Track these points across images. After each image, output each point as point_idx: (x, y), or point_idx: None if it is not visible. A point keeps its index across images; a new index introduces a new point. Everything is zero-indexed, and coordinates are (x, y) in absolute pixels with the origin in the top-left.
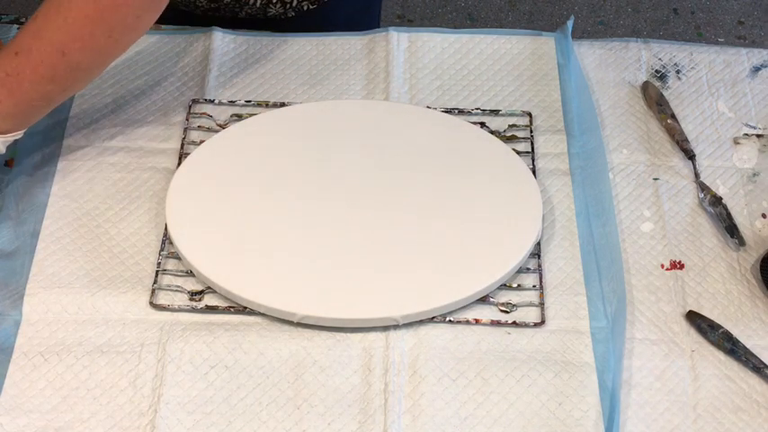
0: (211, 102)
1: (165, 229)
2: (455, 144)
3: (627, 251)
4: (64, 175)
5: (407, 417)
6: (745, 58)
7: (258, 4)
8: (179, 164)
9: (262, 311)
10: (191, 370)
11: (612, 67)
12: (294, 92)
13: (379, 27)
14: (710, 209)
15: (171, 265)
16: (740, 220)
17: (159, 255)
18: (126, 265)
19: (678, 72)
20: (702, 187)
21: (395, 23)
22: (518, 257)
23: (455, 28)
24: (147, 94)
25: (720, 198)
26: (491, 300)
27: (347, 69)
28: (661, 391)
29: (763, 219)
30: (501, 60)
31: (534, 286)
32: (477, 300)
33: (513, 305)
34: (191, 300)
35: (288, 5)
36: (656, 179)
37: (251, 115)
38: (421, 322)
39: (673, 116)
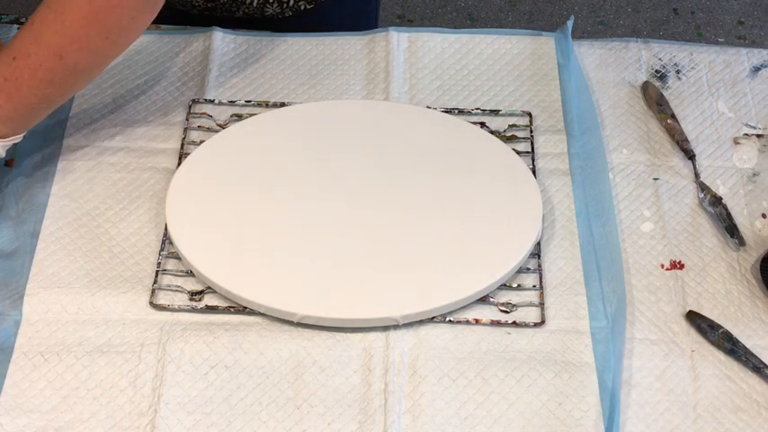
0: (211, 102)
1: (165, 229)
2: (455, 144)
3: (627, 251)
4: (64, 175)
5: (407, 417)
6: (745, 58)
7: (255, 4)
8: (179, 164)
9: (262, 311)
10: (191, 370)
11: (612, 67)
12: (294, 92)
13: (376, 27)
14: (710, 209)
15: (171, 265)
16: (740, 220)
17: (159, 255)
18: (126, 265)
19: (678, 72)
20: (702, 187)
21: (395, 23)
22: (518, 257)
23: (455, 28)
24: (147, 94)
25: (720, 198)
26: (491, 300)
27: (347, 69)
28: (661, 391)
29: (763, 219)
30: (501, 60)
31: (534, 286)
32: (477, 300)
33: (513, 305)
34: (191, 300)
35: (285, 5)
36: (656, 179)
37: (251, 115)
38: (421, 322)
39: (673, 116)
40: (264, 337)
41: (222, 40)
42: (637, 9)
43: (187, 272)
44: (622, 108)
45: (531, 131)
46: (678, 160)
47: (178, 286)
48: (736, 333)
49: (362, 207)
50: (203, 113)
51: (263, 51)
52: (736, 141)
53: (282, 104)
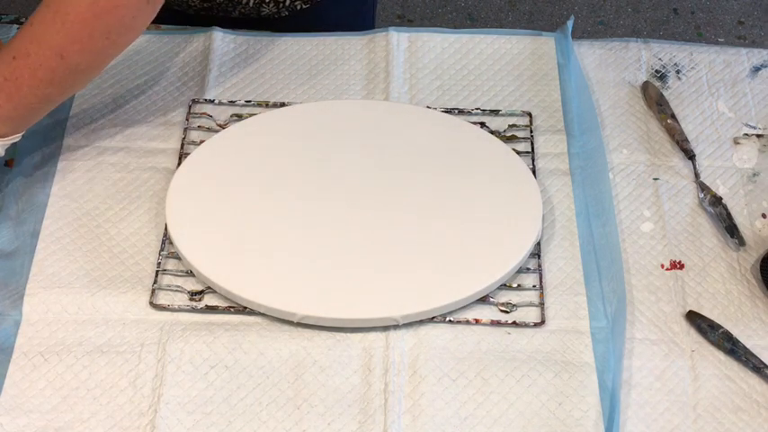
0: (211, 102)
1: (165, 229)
2: (455, 144)
3: (627, 251)
4: (64, 175)
5: (407, 417)
6: (745, 58)
7: (251, 4)
8: (179, 164)
9: (262, 311)
10: (191, 370)
11: (612, 67)
12: (294, 92)
13: (374, 27)
14: (710, 209)
15: (171, 265)
16: (740, 220)
17: (159, 255)
18: (126, 265)
19: (678, 72)
20: (702, 187)
21: (395, 23)
22: (518, 257)
23: (455, 28)
24: (147, 94)
25: (720, 198)
26: (491, 300)
27: (347, 69)
28: (661, 391)
29: (763, 219)
30: (501, 60)
31: (534, 286)
32: (477, 300)
33: (513, 305)
34: (191, 300)
35: (281, 5)
36: (656, 179)
37: (251, 115)
38: (421, 322)
39: (673, 116)
40: (264, 337)
41: (222, 40)
42: (637, 9)
43: (187, 272)
44: (622, 108)
45: (531, 131)
46: (678, 160)
47: (178, 286)
48: (736, 333)
49: (362, 207)
50: (203, 113)
51: (263, 51)
52: (736, 141)
53: (282, 104)
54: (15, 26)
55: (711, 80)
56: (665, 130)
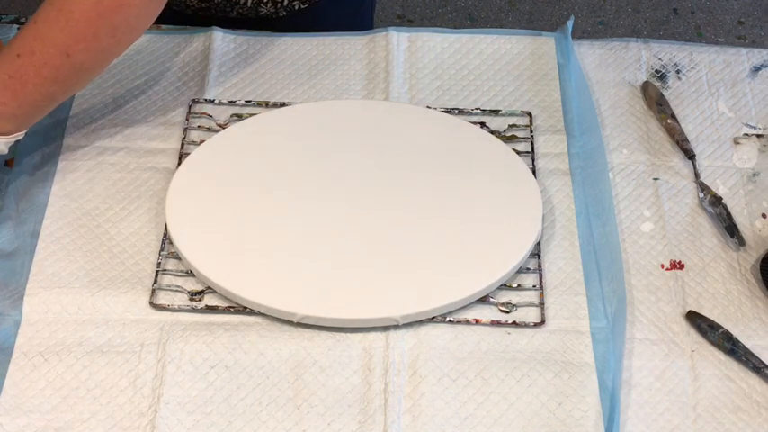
0: (211, 102)
1: (165, 229)
2: (455, 144)
3: (627, 251)
4: (64, 175)
5: (407, 417)
6: (745, 58)
7: (249, 4)
8: (179, 164)
9: (262, 311)
10: (191, 370)
11: (612, 67)
12: (294, 92)
13: (372, 27)
14: (710, 209)
15: (171, 265)
16: (740, 220)
17: (159, 255)
18: (126, 265)
19: (678, 72)
20: (702, 187)
21: (395, 23)
22: (518, 257)
23: (455, 28)
24: (147, 94)
25: (720, 198)
26: (491, 300)
27: (347, 69)
28: (661, 391)
29: (763, 219)
30: (501, 60)
31: (534, 286)
32: (477, 300)
33: (513, 305)
34: (191, 300)
35: (279, 5)
36: (656, 179)
37: (251, 115)
38: (421, 322)
39: (673, 116)
40: (264, 337)
41: (222, 40)
42: (637, 9)
43: (187, 272)
44: (622, 108)
45: (531, 131)
46: (678, 160)
47: (178, 286)
48: (736, 333)
49: (362, 207)
50: (203, 113)
51: (263, 51)
52: (736, 141)
53: (282, 104)
54: (15, 26)
55: (711, 80)
56: (665, 130)
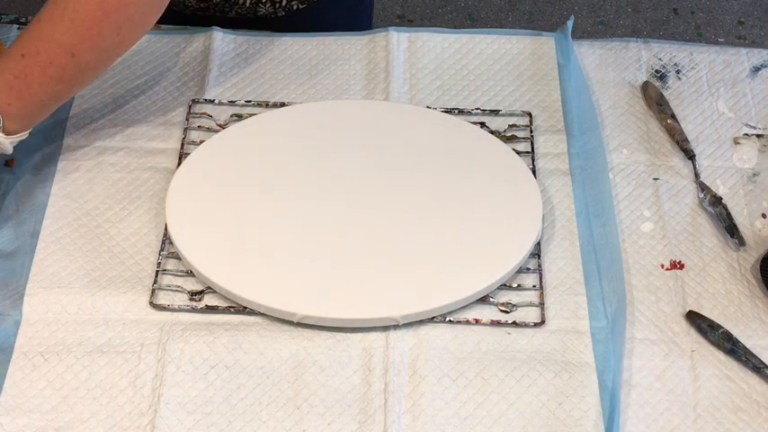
0: (211, 102)
1: (165, 229)
2: (455, 144)
3: (627, 251)
4: (64, 175)
5: (407, 417)
6: (745, 58)
7: (248, 4)
8: (179, 164)
9: (262, 311)
10: (191, 370)
11: (612, 67)
12: (294, 92)
13: (371, 27)
14: (710, 209)
15: (171, 265)
16: (740, 220)
17: (159, 255)
18: (126, 265)
19: (678, 72)
20: (702, 187)
21: (395, 23)
22: (518, 257)
23: (455, 28)
24: (147, 94)
25: (720, 198)
26: (491, 300)
27: (347, 69)
28: (661, 391)
29: (763, 219)
30: (501, 60)
31: (534, 286)
32: (477, 300)
33: (513, 305)
34: (191, 300)
35: (277, 5)
36: (656, 179)
37: (251, 115)
38: (421, 322)
39: (673, 116)
40: (264, 337)
41: (222, 40)
42: (637, 9)
43: (187, 272)
44: (622, 108)
45: (531, 131)
46: (678, 160)
47: (178, 286)
48: (736, 333)
49: (362, 207)
50: (203, 113)
51: (263, 51)
52: (736, 141)
53: (282, 104)
54: (15, 26)
55: (711, 80)
56: (665, 130)
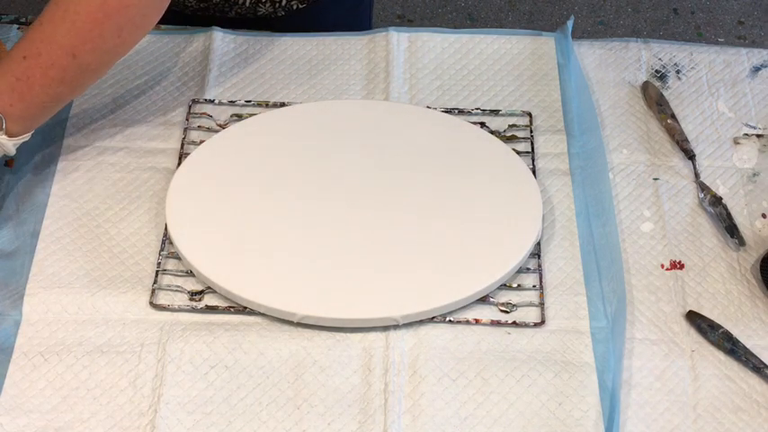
0: (211, 102)
1: (165, 229)
2: (455, 144)
3: (627, 251)
4: (64, 175)
5: (407, 417)
6: (745, 58)
7: (247, 4)
8: (179, 164)
9: (262, 311)
10: (191, 370)
11: (612, 67)
12: (294, 92)
13: (370, 27)
14: (710, 209)
15: (171, 265)
16: (740, 220)
17: (159, 255)
18: (126, 265)
19: (678, 72)
20: (702, 187)
21: (395, 23)
22: (518, 257)
23: (455, 28)
24: (147, 94)
25: (720, 198)
26: (491, 300)
27: (347, 69)
28: (661, 391)
29: (763, 219)
30: (501, 60)
31: (534, 286)
32: (477, 300)
33: (513, 305)
34: (191, 300)
35: (277, 5)
36: (656, 179)
37: (251, 115)
38: (421, 322)
39: (673, 116)
40: (264, 337)
41: (222, 40)
42: (637, 9)
43: (187, 272)
44: (622, 108)
45: (531, 131)
46: (678, 160)
47: (178, 286)
48: (736, 333)
49: (362, 207)
50: (203, 113)
51: (263, 51)
52: (736, 141)
53: (282, 104)
54: (15, 26)
55: (711, 80)
56: (665, 130)
